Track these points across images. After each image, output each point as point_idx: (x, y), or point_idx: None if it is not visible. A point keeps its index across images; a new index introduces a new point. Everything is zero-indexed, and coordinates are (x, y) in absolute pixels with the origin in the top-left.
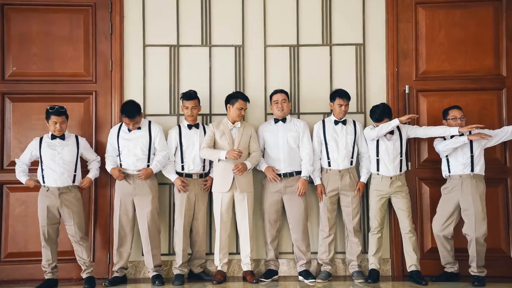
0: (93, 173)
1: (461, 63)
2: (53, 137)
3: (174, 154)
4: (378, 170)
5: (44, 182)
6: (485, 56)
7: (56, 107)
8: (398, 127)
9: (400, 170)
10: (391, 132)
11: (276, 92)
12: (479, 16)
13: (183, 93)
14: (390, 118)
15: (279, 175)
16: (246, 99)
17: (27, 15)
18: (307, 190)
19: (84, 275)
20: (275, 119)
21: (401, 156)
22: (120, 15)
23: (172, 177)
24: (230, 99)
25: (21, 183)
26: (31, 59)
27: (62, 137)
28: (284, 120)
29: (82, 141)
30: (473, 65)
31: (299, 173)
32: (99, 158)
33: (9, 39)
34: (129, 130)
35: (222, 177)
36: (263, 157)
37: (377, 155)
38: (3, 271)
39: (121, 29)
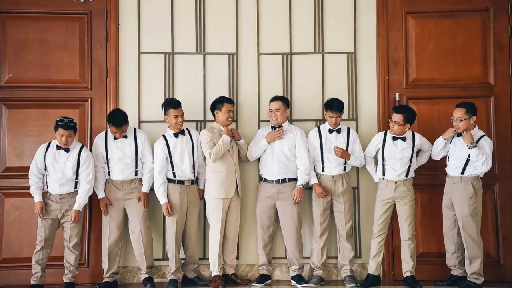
0: (79, 203)
1: (450, 71)
2: (58, 147)
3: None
4: (383, 175)
5: (47, 187)
6: (473, 65)
7: (66, 120)
8: (413, 135)
9: (407, 176)
10: (403, 139)
11: (272, 100)
12: (468, 26)
13: (169, 102)
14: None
15: (272, 181)
16: (231, 101)
17: (23, 23)
18: (303, 198)
19: (65, 279)
20: (272, 126)
21: (410, 162)
22: (116, 23)
23: (162, 200)
24: (216, 105)
25: (16, 189)
26: (27, 66)
27: (67, 150)
28: (280, 127)
29: (85, 154)
30: (462, 74)
31: (292, 179)
32: (90, 178)
33: (5, 46)
34: (115, 138)
35: (227, 183)
36: (258, 160)
37: (383, 160)
38: None
39: (116, 36)
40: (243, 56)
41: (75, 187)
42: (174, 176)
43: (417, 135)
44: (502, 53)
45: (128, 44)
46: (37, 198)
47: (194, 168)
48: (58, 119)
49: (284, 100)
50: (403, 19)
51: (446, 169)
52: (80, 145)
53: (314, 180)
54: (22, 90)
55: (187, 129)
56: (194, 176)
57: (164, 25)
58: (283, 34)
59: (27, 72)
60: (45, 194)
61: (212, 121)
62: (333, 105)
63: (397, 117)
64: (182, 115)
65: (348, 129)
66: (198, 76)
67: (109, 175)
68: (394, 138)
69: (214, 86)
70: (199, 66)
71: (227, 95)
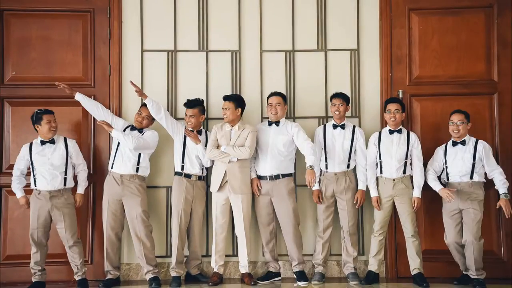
0: (81, 187)
1: (453, 68)
2: (43, 142)
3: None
4: (381, 173)
5: (36, 186)
6: (477, 62)
7: (43, 109)
8: (408, 134)
9: (404, 173)
10: (399, 131)
11: (271, 94)
12: (471, 23)
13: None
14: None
15: (266, 177)
16: (226, 98)
17: (27, 21)
18: (305, 194)
19: (76, 278)
20: (268, 121)
21: (405, 159)
22: (118, 20)
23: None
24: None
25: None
26: (30, 64)
27: (52, 141)
28: (277, 123)
29: (71, 143)
30: (466, 71)
31: (285, 175)
32: (84, 164)
33: (8, 44)
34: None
35: (213, 177)
36: (254, 158)
37: (380, 158)
38: (1, 274)
39: (119, 34)
40: (246, 54)
41: (65, 184)
42: (182, 169)
43: (412, 134)
44: (506, 50)
45: (131, 42)
46: (21, 193)
47: (202, 165)
48: (36, 111)
49: (284, 96)
50: (406, 16)
51: (449, 177)
52: (62, 137)
53: (316, 186)
54: (25, 87)
55: (206, 131)
56: (203, 173)
57: (167, 23)
58: (286, 31)
59: (31, 70)
60: (34, 191)
61: (215, 118)
62: (337, 93)
63: (396, 106)
64: (192, 116)
65: (354, 126)
66: (201, 73)
67: (112, 167)
68: (391, 132)
69: (217, 83)
70: (202, 63)
71: (230, 93)
